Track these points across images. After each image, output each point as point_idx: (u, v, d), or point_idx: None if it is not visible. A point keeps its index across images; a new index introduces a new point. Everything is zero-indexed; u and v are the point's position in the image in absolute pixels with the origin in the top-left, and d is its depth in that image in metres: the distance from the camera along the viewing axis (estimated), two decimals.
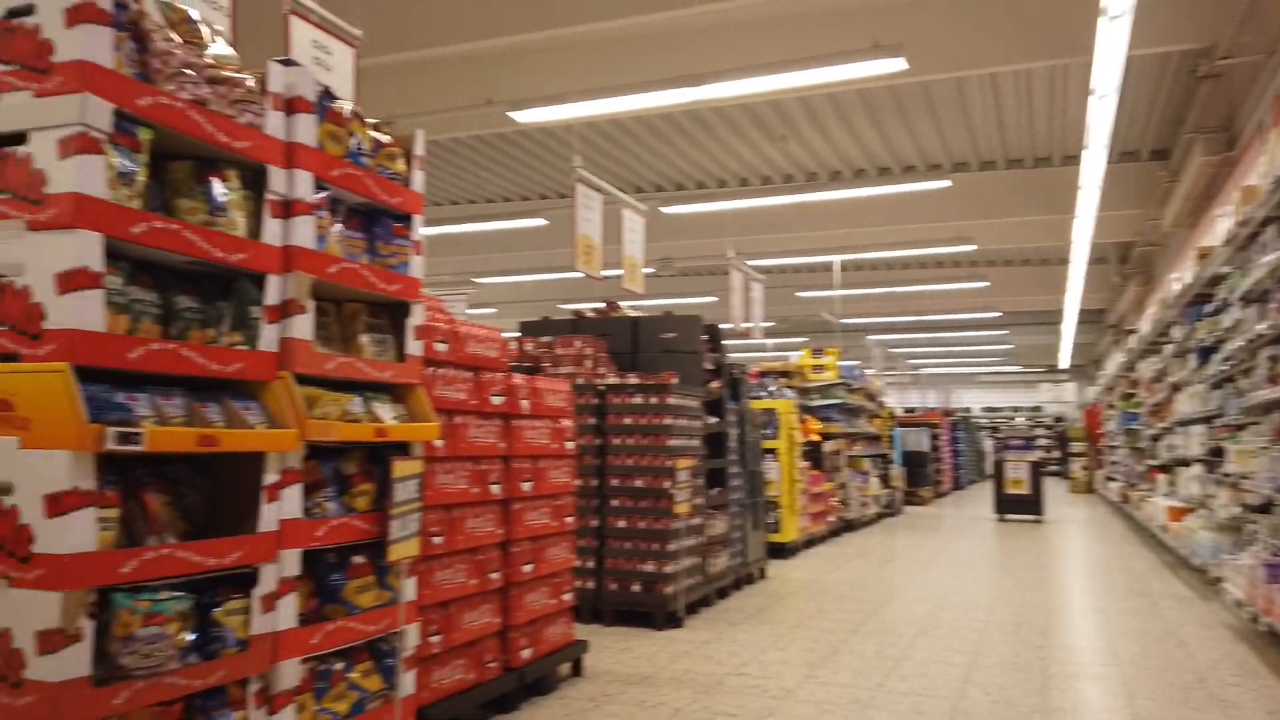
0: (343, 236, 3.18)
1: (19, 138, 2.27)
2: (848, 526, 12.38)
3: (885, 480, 15.15)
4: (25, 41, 2.29)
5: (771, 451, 9.58)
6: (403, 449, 3.24)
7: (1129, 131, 12.14)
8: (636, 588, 5.79)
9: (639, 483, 5.88)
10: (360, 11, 8.38)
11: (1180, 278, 9.00)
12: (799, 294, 20.08)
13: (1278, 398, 5.29)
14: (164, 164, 2.61)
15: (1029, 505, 14.17)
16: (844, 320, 22.78)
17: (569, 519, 4.49)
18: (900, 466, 16.88)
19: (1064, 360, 32.23)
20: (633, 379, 6.11)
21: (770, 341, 29.35)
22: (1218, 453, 7.56)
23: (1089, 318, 27.21)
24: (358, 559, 3.02)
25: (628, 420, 5.97)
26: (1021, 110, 11.53)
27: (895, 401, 27.25)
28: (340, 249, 3.09)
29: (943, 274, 20.77)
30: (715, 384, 6.97)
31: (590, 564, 5.91)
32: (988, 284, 18.74)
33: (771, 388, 10.15)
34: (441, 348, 3.60)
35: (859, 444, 14.19)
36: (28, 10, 2.29)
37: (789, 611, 6.47)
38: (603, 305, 7.24)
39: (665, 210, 13.47)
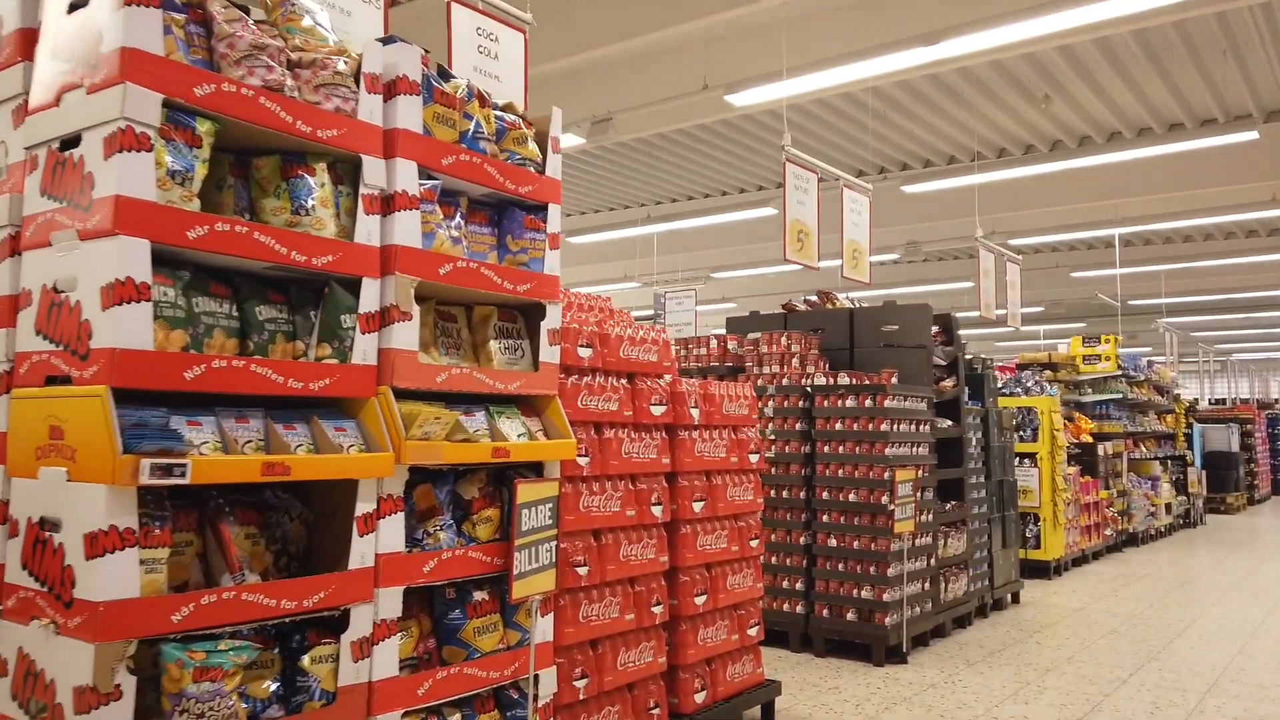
0: (464, 232, 2.85)
1: (76, 140, 2.12)
2: (1130, 540, 10.71)
3: (1181, 486, 13.04)
4: (81, 35, 2.13)
5: (1030, 456, 8.38)
6: (535, 469, 2.87)
7: None
8: (851, 616, 5.11)
9: (851, 496, 5.18)
10: (563, 6, 8.26)
11: None
12: (1074, 274, 17.93)
13: None
14: (249, 160, 2.40)
15: None
16: (1131, 301, 20.11)
17: (754, 542, 3.93)
18: (1200, 469, 14.53)
19: None
20: (844, 378, 5.41)
21: (1041, 329, 26.64)
22: None
23: None
24: (480, 595, 2.67)
25: (838, 425, 5.28)
26: None
27: (1197, 393, 23.75)
28: (458, 246, 2.76)
29: (1253, 245, 17.69)
30: (948, 382, 6.08)
31: (799, 585, 5.29)
32: None
33: (1030, 383, 8.91)
34: (586, 353, 3.19)
35: (1145, 444, 12.29)
36: (83, 2, 2.13)
37: (1041, 649, 5.48)
38: (814, 297, 6.57)
39: (907, 190, 12.40)
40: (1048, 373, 10.47)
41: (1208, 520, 14.12)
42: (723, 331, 6.54)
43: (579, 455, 3.10)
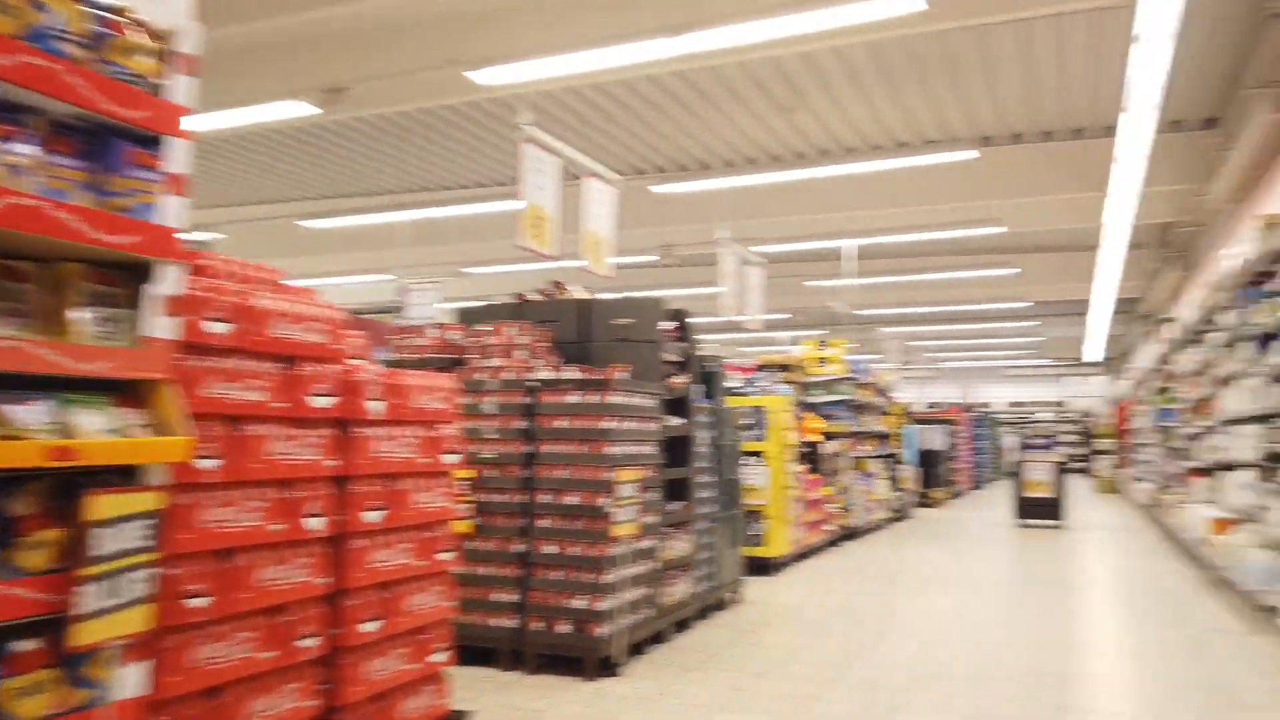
0: (39, 161, 2.17)
1: None
2: (849, 535, 11.29)
3: (895, 482, 14.03)
4: None
5: (758, 455, 8.51)
6: (126, 475, 2.23)
7: (1176, 96, 10.90)
8: (565, 627, 4.76)
9: (572, 499, 4.85)
10: None
11: (1234, 254, 7.82)
12: (807, 283, 18.94)
13: None
14: None
15: (1050, 510, 13.01)
16: (858, 311, 21.61)
17: (446, 555, 3.46)
18: (913, 467, 15.75)
19: (1092, 353, 30.86)
20: (569, 373, 5.08)
21: (785, 334, 28.18)
22: (1277, 458, 6.41)
23: (1121, 308, 25.80)
24: (23, 645, 2.00)
25: (561, 423, 4.93)
26: (1055, 72, 10.33)
27: (914, 397, 26.08)
28: (21, 178, 2.07)
29: (969, 261, 19.53)
30: (680, 379, 5.91)
31: (513, 597, 4.88)
32: (1019, 271, 17.51)
33: (763, 383, 9.07)
34: (220, 329, 2.58)
35: (867, 443, 13.07)
36: None
37: (759, 651, 5.42)
38: (555, 288, 6.20)
39: (656, 190, 12.42)
40: (783, 374, 10.80)
41: (916, 514, 15.32)
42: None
43: (201, 457, 2.49)
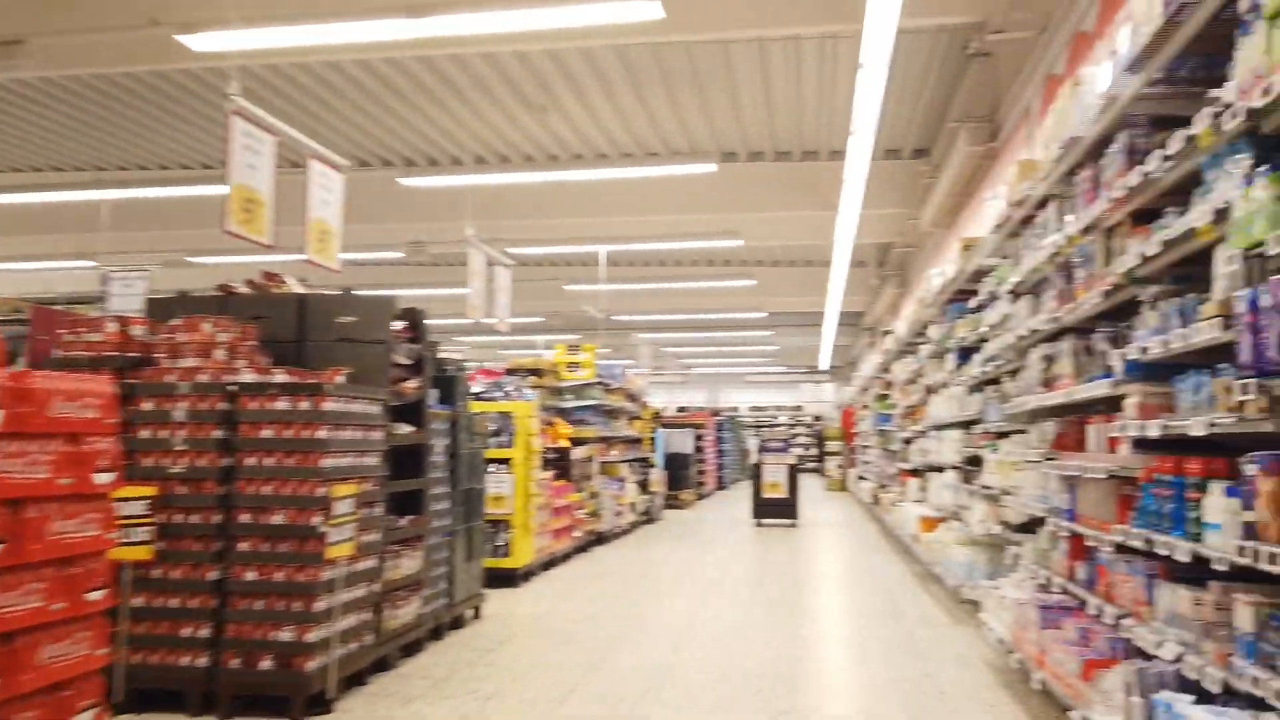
0: None
1: None
2: (599, 540, 11.27)
3: (644, 486, 14.25)
4: None
5: (505, 462, 8.22)
6: None
7: (894, 126, 11.83)
8: (268, 663, 4.22)
9: (278, 518, 4.31)
10: None
11: (941, 273, 8.53)
12: (566, 287, 18.91)
13: (1053, 404, 4.55)
14: None
15: (785, 509, 13.74)
16: (615, 317, 21.90)
17: (95, 594, 2.88)
18: (662, 470, 16.10)
19: (824, 362, 33.32)
20: (278, 376, 4.54)
21: (544, 338, 28.10)
22: (975, 461, 7.00)
23: (848, 320, 27.99)
24: None
25: (267, 433, 4.38)
26: (791, 94, 10.88)
27: (665, 401, 26.87)
28: None
29: (712, 272, 20.36)
30: (412, 383, 5.50)
31: (205, 632, 4.27)
32: (755, 282, 18.42)
33: (511, 388, 8.79)
34: None
35: (616, 448, 13.17)
36: None
37: (494, 670, 5.13)
38: (266, 279, 5.58)
39: (404, 183, 11.82)
40: (532, 379, 10.58)
41: (665, 516, 15.67)
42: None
43: None
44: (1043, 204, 4.85)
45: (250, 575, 4.29)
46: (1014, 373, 5.50)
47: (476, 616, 6.65)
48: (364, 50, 8.16)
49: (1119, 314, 3.83)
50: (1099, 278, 3.80)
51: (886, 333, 14.68)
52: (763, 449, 13.98)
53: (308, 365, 4.98)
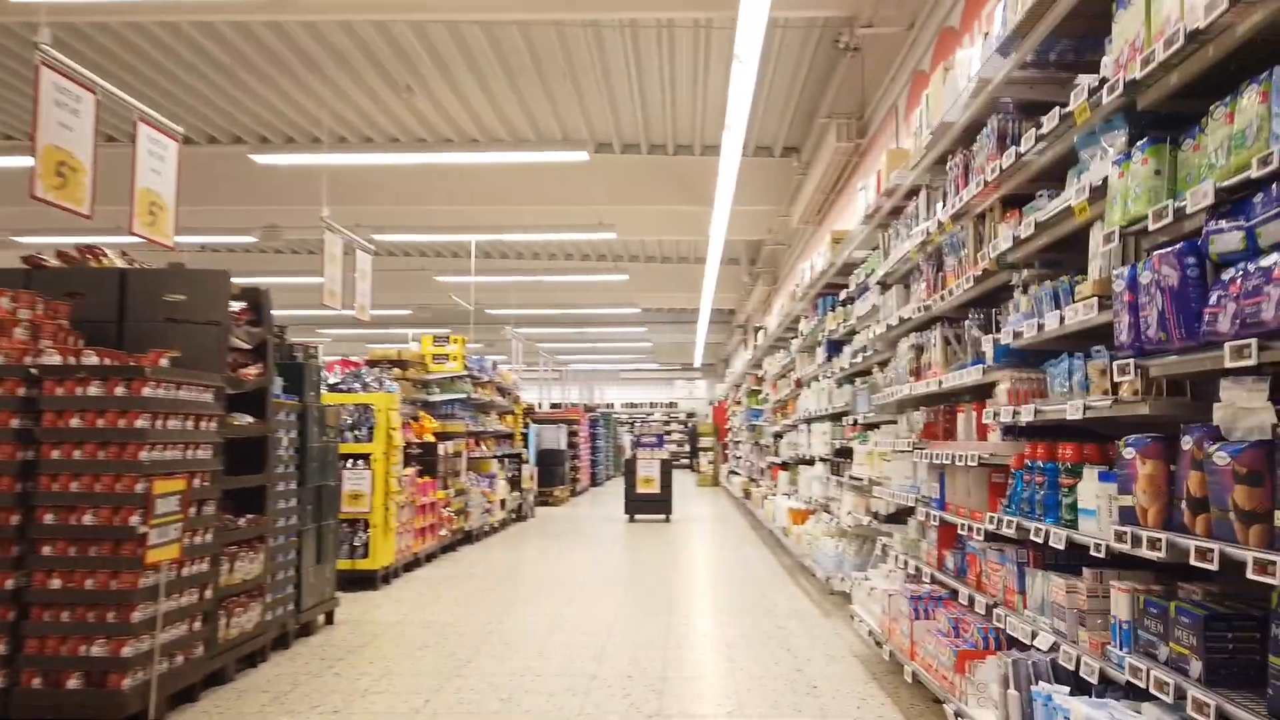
0: None
1: None
2: (467, 539, 10.87)
3: (516, 483, 13.89)
4: None
5: (364, 458, 7.75)
6: None
7: (766, 123, 11.91)
8: (76, 681, 3.72)
9: (89, 518, 3.81)
10: None
11: (811, 266, 8.57)
12: (437, 278, 18.29)
13: (923, 393, 4.53)
14: None
15: (658, 505, 13.65)
16: (489, 310, 21.37)
17: None
18: (534, 466, 15.77)
19: (697, 359, 33.64)
20: (89, 358, 4.02)
21: (409, 332, 27.19)
22: (845, 453, 7.03)
23: (720, 317, 28.35)
24: None
25: (75, 422, 3.87)
26: (664, 85, 10.76)
27: (539, 398, 26.43)
28: None
29: (586, 266, 20.14)
30: (252, 369, 5.02)
31: (1, 649, 3.73)
32: (627, 278, 18.31)
33: (370, 379, 8.31)
34: None
35: (486, 443, 12.77)
36: None
37: (343, 681, 4.73)
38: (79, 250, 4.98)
39: (258, 160, 11.09)
40: (396, 370, 10.08)
41: (537, 513, 15.35)
42: None
43: None
44: (913, 193, 4.84)
45: (55, 583, 3.77)
46: (884, 364, 5.50)
47: (329, 622, 6.19)
48: (202, 10, 7.53)
49: (990, 300, 3.81)
50: (970, 264, 3.77)
51: (758, 329, 14.81)
52: (637, 444, 13.86)
53: (130, 347, 4.46)
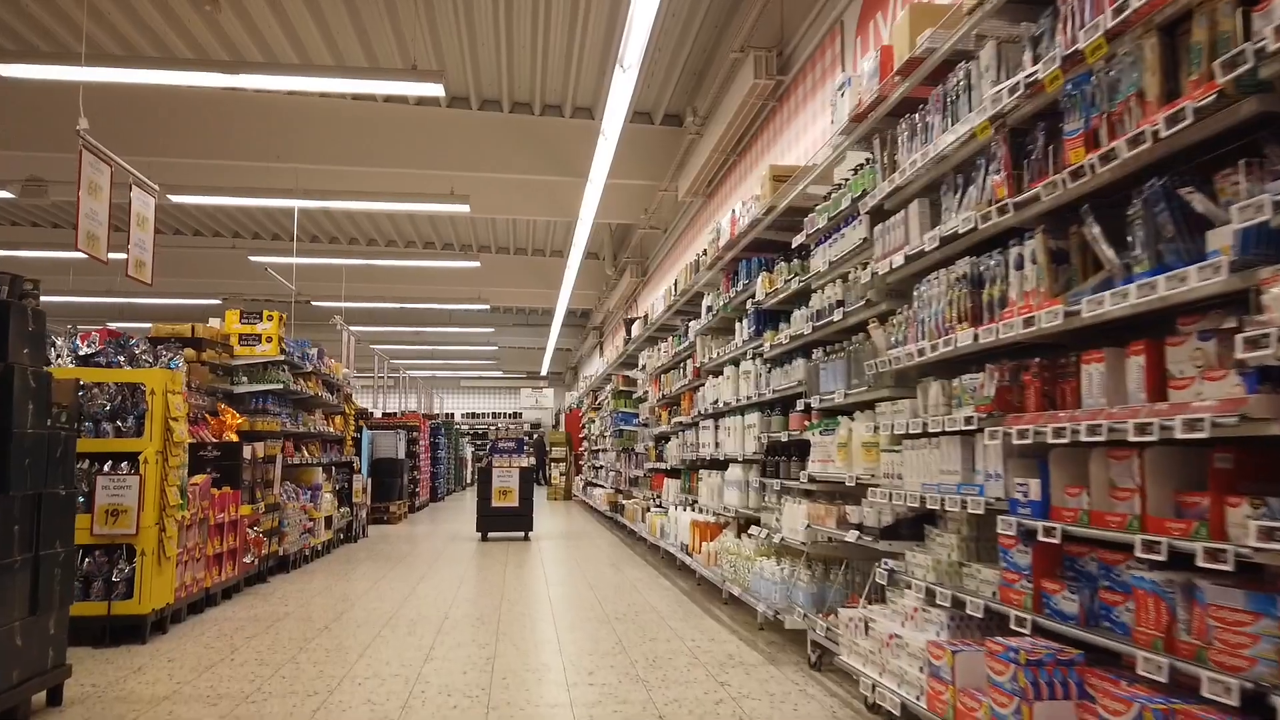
0: None
1: None
2: (281, 565, 8.66)
3: (346, 496, 11.66)
4: None
5: (129, 458, 5.57)
6: None
7: (647, 86, 10.41)
8: None
9: None
10: None
11: (720, 229, 7.04)
12: (253, 259, 15.68)
13: (983, 346, 3.02)
14: None
15: (518, 520, 11.78)
16: (315, 303, 18.77)
17: None
18: (367, 478, 13.52)
19: (545, 366, 31.83)
20: None
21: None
22: (785, 450, 5.50)
23: (572, 321, 26.71)
24: None
25: None
26: (535, 28, 9.07)
27: (373, 404, 23.81)
28: None
29: (432, 254, 18.01)
30: None
31: None
32: (478, 264, 16.36)
33: (140, 351, 6.09)
34: None
35: (310, 448, 10.53)
36: None
37: None
38: None
39: (2, 70, 8.51)
40: (189, 352, 7.81)
41: (370, 532, 13.11)
42: None
43: None
44: (949, 65, 3.35)
45: None
46: (883, 318, 3.98)
47: (53, 703, 4.05)
48: None
49: (1198, 163, 2.32)
50: (1156, 103, 2.27)
51: (631, 320, 13.25)
52: (494, 449, 11.93)
53: None
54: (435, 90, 8.12)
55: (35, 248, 15.17)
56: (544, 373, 33.75)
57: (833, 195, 4.60)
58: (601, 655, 5.07)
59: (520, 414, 36.57)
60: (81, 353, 5.69)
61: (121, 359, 5.79)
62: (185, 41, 9.28)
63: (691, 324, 8.45)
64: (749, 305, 6.18)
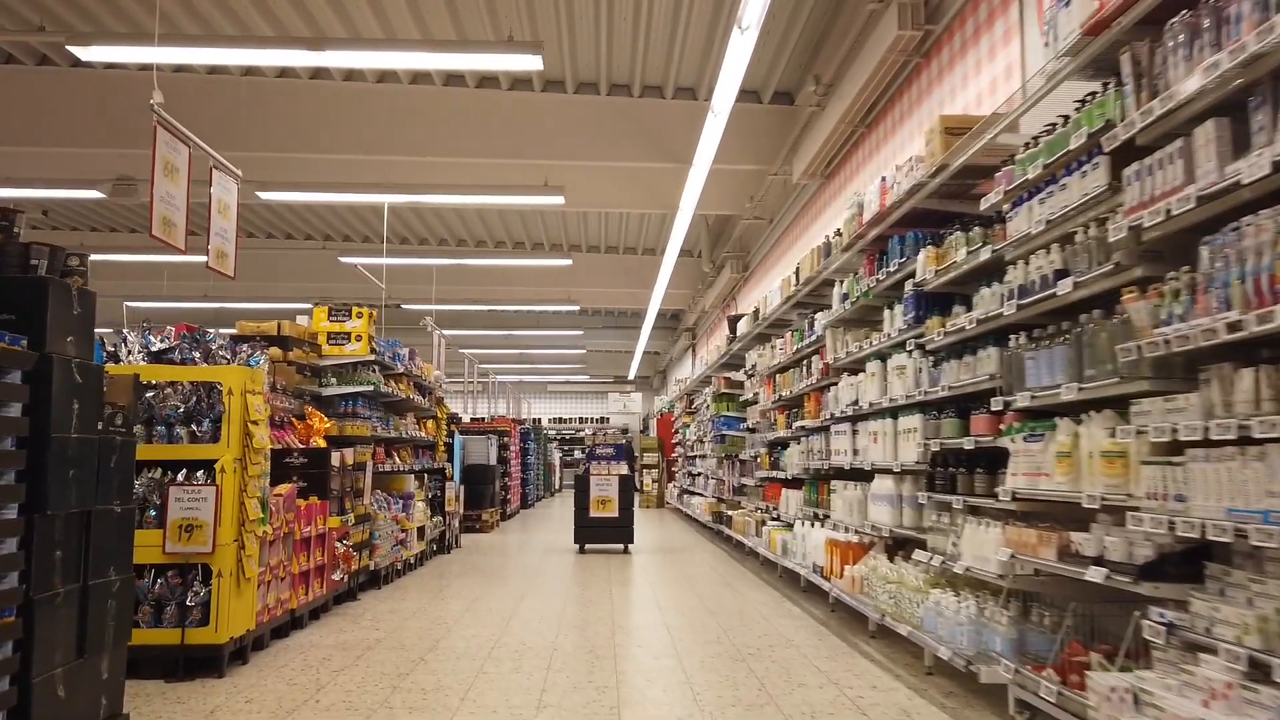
0: None
1: None
2: (373, 580, 8.06)
3: (439, 504, 11.07)
4: None
5: (203, 467, 4.96)
6: None
7: (756, 62, 9.51)
8: None
9: None
10: None
11: (864, 201, 6.10)
12: (343, 259, 15.35)
13: None
14: None
15: (618, 531, 11.00)
16: (407, 306, 18.42)
17: None
18: (459, 484, 12.94)
19: (633, 370, 31.12)
20: None
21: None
22: (968, 459, 4.55)
23: (661, 323, 25.92)
24: None
25: None
26: (636, 4, 8.31)
27: (462, 410, 23.44)
28: None
29: (521, 254, 17.46)
30: None
31: None
32: (570, 262, 15.70)
33: (216, 346, 5.48)
34: None
35: (402, 454, 9.95)
36: None
37: None
38: None
39: (79, 52, 8.13)
40: (275, 351, 7.25)
41: (463, 542, 12.52)
42: None
43: None
44: None
45: None
46: (1142, 286, 3.02)
47: None
48: None
49: None
50: None
51: (736, 318, 12.35)
52: (591, 456, 11.20)
53: None
54: (533, 63, 7.42)
55: (128, 250, 15.08)
56: (631, 376, 33.10)
57: (1045, 139, 3.64)
58: (747, 708, 4.20)
59: (607, 418, 35.96)
60: (154, 348, 5.11)
61: (196, 355, 5.18)
62: (268, 21, 8.79)
63: (818, 316, 7.53)
64: (907, 287, 5.23)
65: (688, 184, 10.04)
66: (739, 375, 13.03)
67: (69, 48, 7.24)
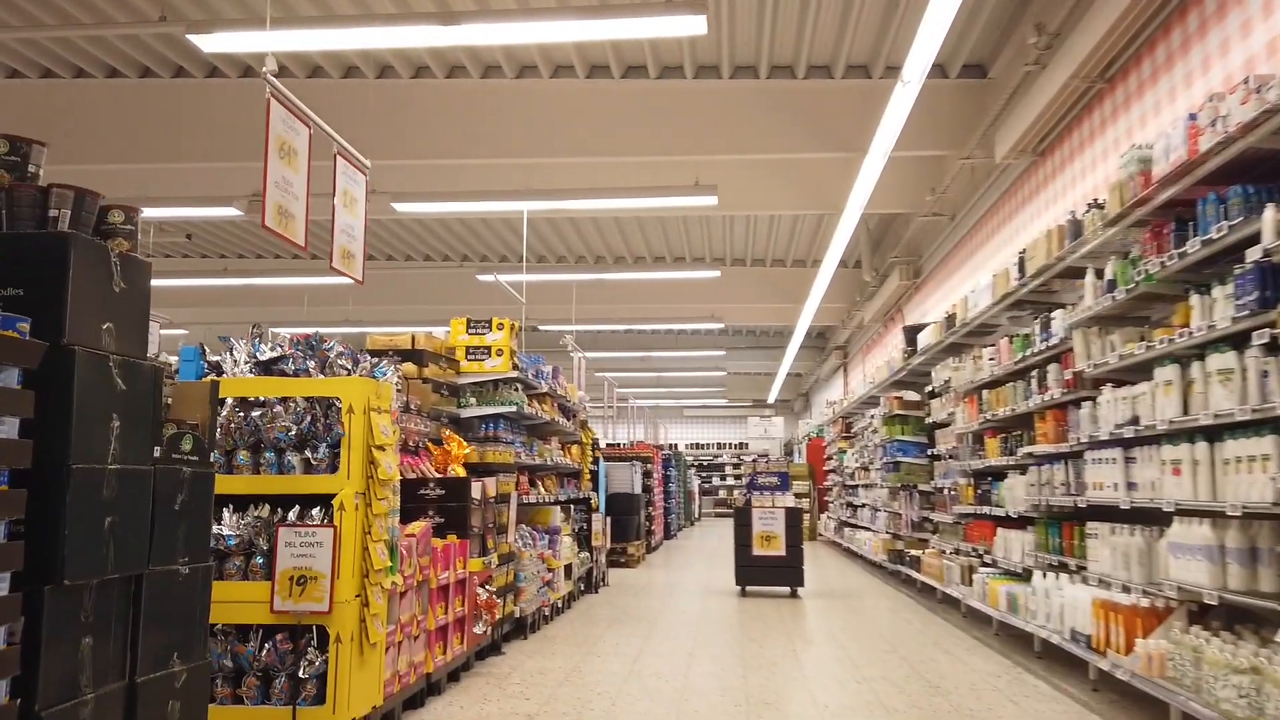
0: None
1: None
2: (518, 629, 7.03)
3: (585, 538, 10.03)
4: None
5: (318, 503, 4.00)
6: None
7: (948, 30, 8.14)
8: None
9: None
10: None
11: (1153, 155, 4.66)
12: (481, 277, 14.73)
13: None
14: None
15: (785, 572, 9.65)
16: (543, 327, 17.70)
17: None
18: (604, 515, 11.89)
19: (774, 393, 29.65)
20: None
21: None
22: None
23: (806, 342, 24.39)
24: None
25: None
26: None
27: (600, 435, 22.60)
28: None
29: (664, 267, 16.44)
30: None
31: None
32: (718, 274, 14.55)
33: (337, 355, 4.54)
34: None
35: (547, 483, 8.95)
36: None
37: None
38: None
39: (197, 40, 7.61)
40: (409, 366, 6.36)
41: (610, 579, 11.43)
42: None
43: None
44: None
45: None
46: None
47: None
48: None
49: None
50: None
51: (916, 328, 10.87)
52: (752, 485, 9.93)
53: None
54: (696, 25, 6.33)
55: (269, 274, 14.86)
56: (771, 400, 31.63)
57: None
58: None
59: (746, 444, 34.50)
60: (263, 357, 4.21)
61: (311, 365, 4.25)
62: (394, 2, 8.05)
63: (1054, 316, 6.06)
64: (1246, 259, 3.78)
65: (860, 174, 8.75)
66: (914, 395, 11.51)
67: (189, 36, 6.62)
